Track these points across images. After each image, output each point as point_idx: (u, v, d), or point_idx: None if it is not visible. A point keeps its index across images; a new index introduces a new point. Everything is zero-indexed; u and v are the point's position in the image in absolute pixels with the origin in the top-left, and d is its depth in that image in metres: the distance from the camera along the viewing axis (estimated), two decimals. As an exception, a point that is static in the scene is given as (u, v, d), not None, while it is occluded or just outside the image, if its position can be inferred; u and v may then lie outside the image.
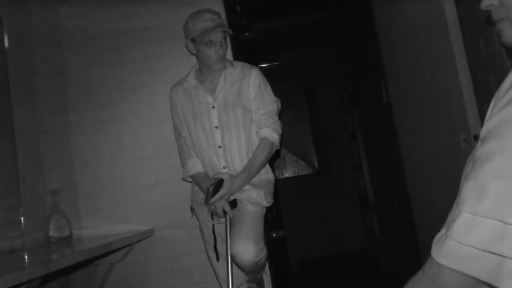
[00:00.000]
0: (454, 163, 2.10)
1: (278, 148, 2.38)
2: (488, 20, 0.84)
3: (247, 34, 4.15)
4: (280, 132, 2.36)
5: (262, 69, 2.49)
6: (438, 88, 2.38)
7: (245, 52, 3.93)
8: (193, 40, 2.30)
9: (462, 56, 2.10)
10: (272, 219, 4.16)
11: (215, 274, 2.45)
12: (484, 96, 2.03)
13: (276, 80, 2.47)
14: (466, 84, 2.08)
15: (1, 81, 2.51)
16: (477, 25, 2.02)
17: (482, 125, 0.77)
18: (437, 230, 0.79)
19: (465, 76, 2.08)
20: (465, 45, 2.13)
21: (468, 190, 0.71)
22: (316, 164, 6.01)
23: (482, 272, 0.69)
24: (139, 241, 2.81)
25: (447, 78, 2.22)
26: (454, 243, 0.72)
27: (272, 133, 2.30)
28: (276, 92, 2.44)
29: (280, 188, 3.82)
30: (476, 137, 1.96)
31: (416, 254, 3.17)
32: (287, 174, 6.05)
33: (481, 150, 0.71)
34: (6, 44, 2.58)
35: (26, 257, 2.15)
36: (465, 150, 2.04)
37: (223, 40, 2.29)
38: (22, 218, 2.42)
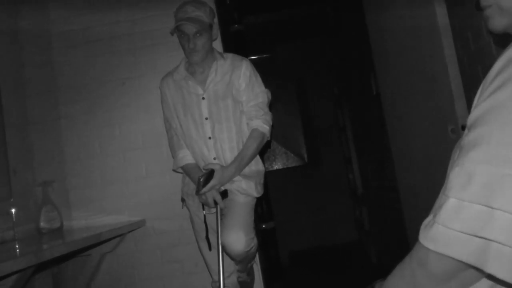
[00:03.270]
0: (442, 153, 2.13)
1: (268, 139, 2.39)
2: (477, 6, 0.85)
3: (237, 26, 4.15)
4: (271, 123, 2.37)
5: (252, 61, 2.49)
6: (427, 79, 2.41)
7: (235, 44, 3.94)
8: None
9: (450, 48, 2.13)
10: (262, 210, 4.19)
11: (206, 264, 2.47)
12: (472, 87, 2.06)
13: (266, 73, 2.47)
14: (454, 75, 2.11)
15: (-10, 72, 2.50)
16: (466, 16, 2.05)
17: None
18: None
19: (454, 67, 2.11)
20: (454, 36, 2.16)
21: (455, 176, 0.72)
22: (306, 156, 6.04)
23: (468, 255, 0.70)
24: (130, 232, 2.82)
25: (436, 69, 2.25)
26: (442, 228, 0.73)
27: (262, 124, 2.31)
28: (266, 84, 2.45)
29: (269, 180, 3.83)
30: (464, 128, 1.99)
31: (405, 246, 3.21)
32: (277, 166, 6.07)
33: (467, 137, 0.72)
34: (-5, 34, 2.57)
35: (17, 247, 2.15)
36: (453, 141, 2.07)
37: (198, 34, 2.26)
38: (13, 210, 2.42)
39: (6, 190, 2.43)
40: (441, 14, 2.13)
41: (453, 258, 0.73)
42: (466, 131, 0.77)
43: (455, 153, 0.83)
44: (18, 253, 1.95)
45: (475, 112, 0.73)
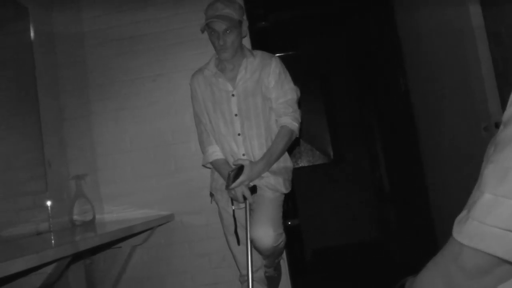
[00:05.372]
0: (475, 151, 2.11)
1: (297, 136, 2.41)
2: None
3: (263, 23, 4.17)
4: (300, 120, 2.38)
5: (277, 58, 2.50)
6: (459, 76, 2.38)
7: (261, 42, 3.96)
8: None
9: (484, 44, 2.10)
10: (288, 207, 4.20)
11: (234, 258, 2.50)
12: (506, 83, 2.03)
13: (291, 70, 2.49)
14: (488, 71, 2.08)
15: (28, 71, 2.59)
16: (499, 12, 2.02)
17: (503, 112, 0.79)
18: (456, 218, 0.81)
19: (487, 63, 2.08)
20: (487, 33, 2.13)
21: (490, 172, 0.72)
22: (332, 153, 6.02)
23: (503, 251, 0.70)
24: (159, 225, 2.87)
25: (469, 66, 2.23)
26: (476, 223, 0.73)
27: (291, 121, 2.33)
28: (292, 81, 2.46)
29: (295, 177, 3.83)
30: (497, 125, 1.97)
31: (433, 245, 3.17)
32: (302, 163, 6.06)
33: (504, 133, 0.72)
34: (32, 35, 2.66)
35: (53, 238, 2.23)
36: (486, 138, 2.05)
37: (227, 31, 2.29)
38: (48, 202, 2.50)
39: (42, 183, 2.52)
40: (475, 11, 2.11)
41: (488, 254, 0.72)
42: (501, 127, 0.77)
43: (489, 150, 0.82)
44: (55, 243, 2.03)
45: (510, 109, 0.73)
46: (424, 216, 3.43)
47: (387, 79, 4.15)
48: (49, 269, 1.61)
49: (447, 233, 0.78)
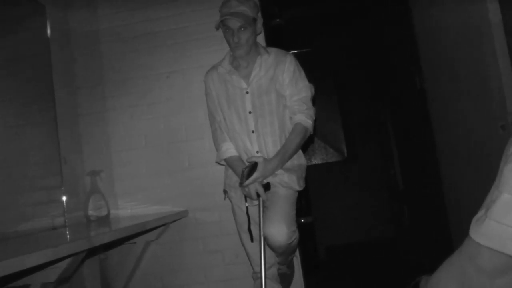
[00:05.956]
0: (491, 150, 2.09)
1: (311, 133, 2.40)
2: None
3: (278, 20, 4.16)
4: (314, 118, 2.37)
5: (291, 55, 2.49)
6: (476, 73, 2.35)
7: (276, 39, 3.94)
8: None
9: (502, 41, 2.07)
10: (301, 205, 4.19)
11: (247, 255, 2.50)
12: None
13: (306, 67, 2.48)
14: (505, 69, 2.05)
15: (44, 67, 2.62)
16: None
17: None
18: (473, 217, 0.80)
19: (505, 61, 2.05)
20: (505, 30, 2.10)
21: (509, 172, 0.71)
22: (345, 151, 5.99)
23: None
24: (173, 221, 2.89)
25: (486, 63, 2.20)
26: (494, 223, 0.72)
27: (306, 118, 2.32)
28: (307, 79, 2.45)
29: (308, 174, 3.82)
30: (514, 124, 1.94)
31: (448, 244, 3.14)
32: (316, 161, 6.04)
33: (523, 132, 0.72)
34: (49, 32, 2.69)
35: (68, 233, 2.25)
36: (503, 137, 2.02)
37: (242, 28, 2.29)
38: (63, 198, 2.53)
39: (58, 179, 2.55)
40: (493, 7, 2.08)
41: (505, 254, 0.72)
42: (521, 126, 0.76)
43: (508, 149, 0.81)
44: (70, 238, 2.05)
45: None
46: (439, 215, 3.40)
47: (402, 77, 4.11)
48: (64, 264, 1.63)
49: (463, 232, 0.77)
